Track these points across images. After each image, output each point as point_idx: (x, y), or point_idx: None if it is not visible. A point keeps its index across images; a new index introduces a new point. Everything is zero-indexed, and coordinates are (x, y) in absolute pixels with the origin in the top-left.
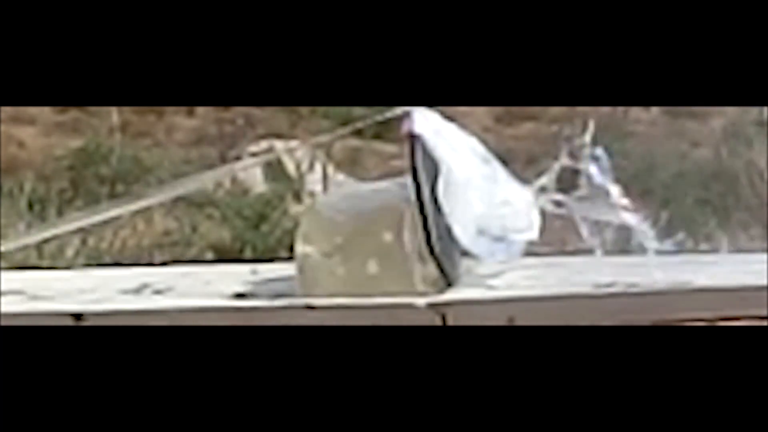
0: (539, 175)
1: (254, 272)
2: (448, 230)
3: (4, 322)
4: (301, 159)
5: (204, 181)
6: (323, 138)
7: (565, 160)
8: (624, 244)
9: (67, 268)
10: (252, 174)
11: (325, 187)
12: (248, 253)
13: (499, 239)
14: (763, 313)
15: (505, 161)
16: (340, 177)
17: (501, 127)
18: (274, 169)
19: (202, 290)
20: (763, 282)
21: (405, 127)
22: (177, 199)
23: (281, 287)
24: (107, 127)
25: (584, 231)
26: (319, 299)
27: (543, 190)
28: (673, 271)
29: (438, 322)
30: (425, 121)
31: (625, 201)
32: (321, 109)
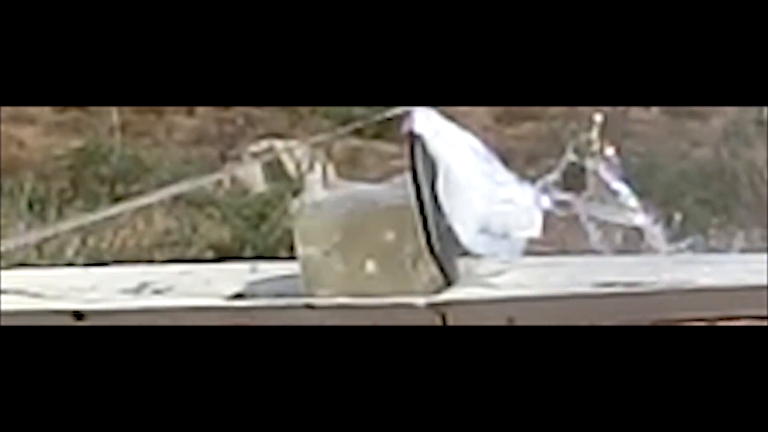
0: (543, 173)
1: (254, 270)
2: (448, 229)
3: (5, 321)
4: (301, 159)
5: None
6: (323, 137)
7: (571, 156)
8: (632, 245)
9: (68, 266)
10: (252, 174)
11: (324, 187)
12: (248, 253)
13: (500, 237)
14: (763, 313)
15: (505, 161)
16: (333, 179)
17: (501, 127)
18: (274, 169)
19: (202, 290)
20: (763, 282)
21: (405, 127)
22: (177, 199)
23: (281, 287)
24: (107, 127)
25: (592, 233)
26: (319, 299)
27: (546, 189)
28: (674, 271)
29: (438, 322)
30: (425, 120)
31: (634, 202)
32: (321, 109)
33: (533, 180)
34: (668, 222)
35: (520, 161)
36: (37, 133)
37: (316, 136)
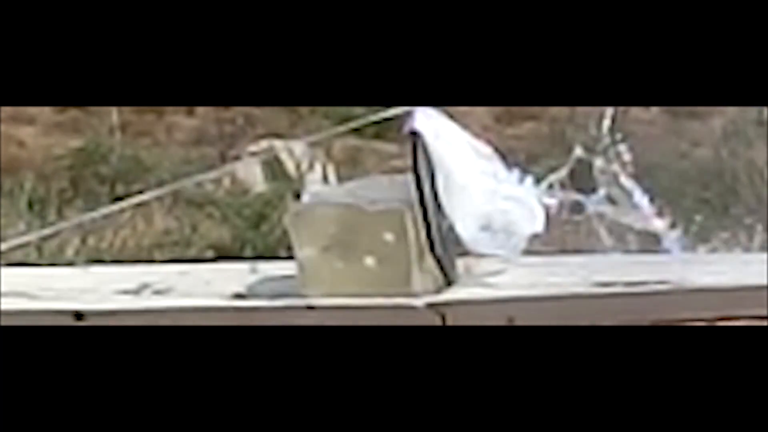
0: (545, 173)
1: (254, 270)
2: (449, 229)
3: (5, 321)
4: (300, 158)
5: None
6: (323, 136)
7: (578, 152)
8: (645, 246)
9: (68, 265)
10: (252, 173)
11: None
12: (248, 253)
13: (502, 234)
14: (763, 313)
15: (505, 161)
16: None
17: (501, 127)
18: (274, 169)
19: (202, 290)
20: (763, 282)
21: (406, 126)
22: (177, 199)
23: (281, 287)
24: (107, 127)
25: (605, 237)
26: (319, 299)
27: (552, 188)
28: (674, 271)
29: (438, 322)
30: (426, 119)
31: (648, 204)
32: (321, 109)
33: (538, 180)
34: (687, 227)
35: (521, 161)
36: (37, 133)
37: (315, 136)
